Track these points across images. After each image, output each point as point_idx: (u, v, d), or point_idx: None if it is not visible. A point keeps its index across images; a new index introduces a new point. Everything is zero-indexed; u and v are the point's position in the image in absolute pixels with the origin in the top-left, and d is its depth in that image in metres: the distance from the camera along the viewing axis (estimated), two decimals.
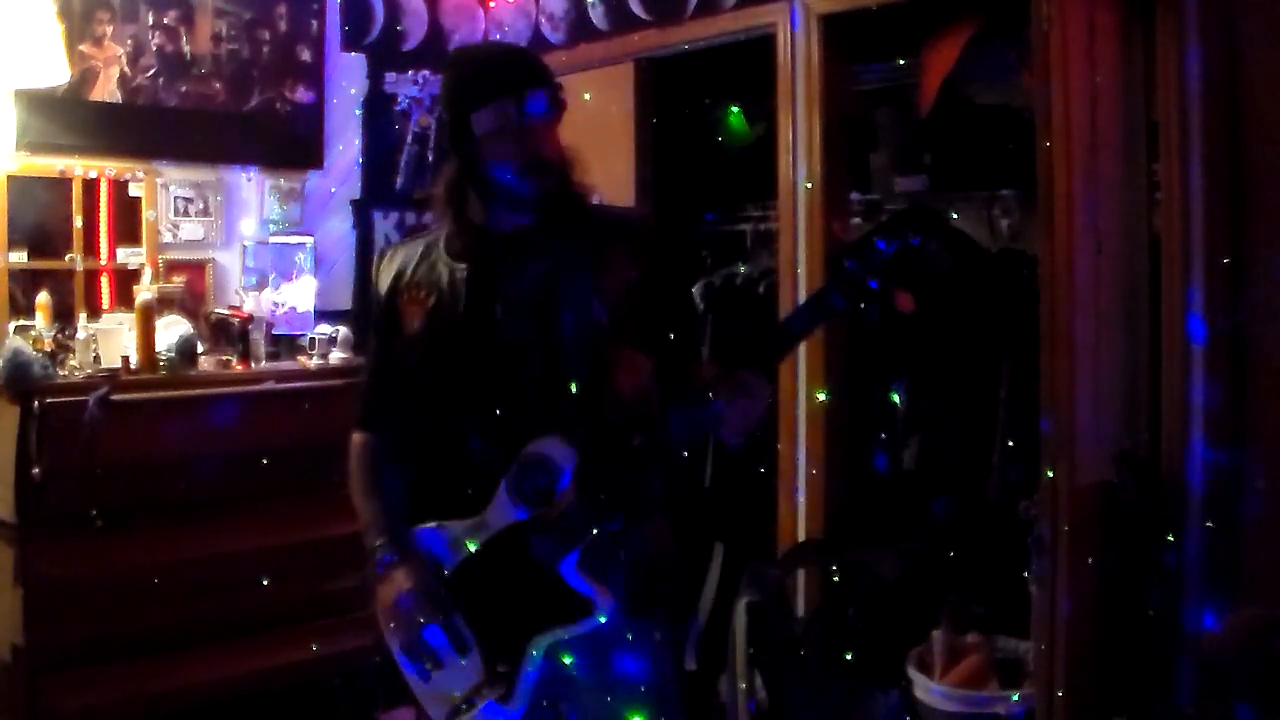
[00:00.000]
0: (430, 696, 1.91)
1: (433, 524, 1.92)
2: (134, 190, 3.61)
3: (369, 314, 2.06)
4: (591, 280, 1.86)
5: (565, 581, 1.81)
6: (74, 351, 3.19)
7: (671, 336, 1.92)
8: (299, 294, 3.71)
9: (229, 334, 3.51)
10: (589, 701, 1.90)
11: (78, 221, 3.49)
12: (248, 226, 3.89)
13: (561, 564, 1.81)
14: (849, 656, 3.01)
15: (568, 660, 1.85)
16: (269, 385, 3.32)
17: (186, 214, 3.76)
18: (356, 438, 2.06)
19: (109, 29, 3.56)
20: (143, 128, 3.63)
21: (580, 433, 1.81)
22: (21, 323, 3.28)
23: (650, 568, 1.94)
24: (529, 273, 1.88)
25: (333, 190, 4.12)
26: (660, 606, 1.97)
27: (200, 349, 3.38)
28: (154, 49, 3.65)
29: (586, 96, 3.31)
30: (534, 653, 1.82)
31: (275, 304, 3.66)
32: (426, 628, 1.86)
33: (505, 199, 1.88)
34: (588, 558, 1.82)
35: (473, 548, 1.87)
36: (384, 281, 2.00)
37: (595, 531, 1.81)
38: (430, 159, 4.31)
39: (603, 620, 1.82)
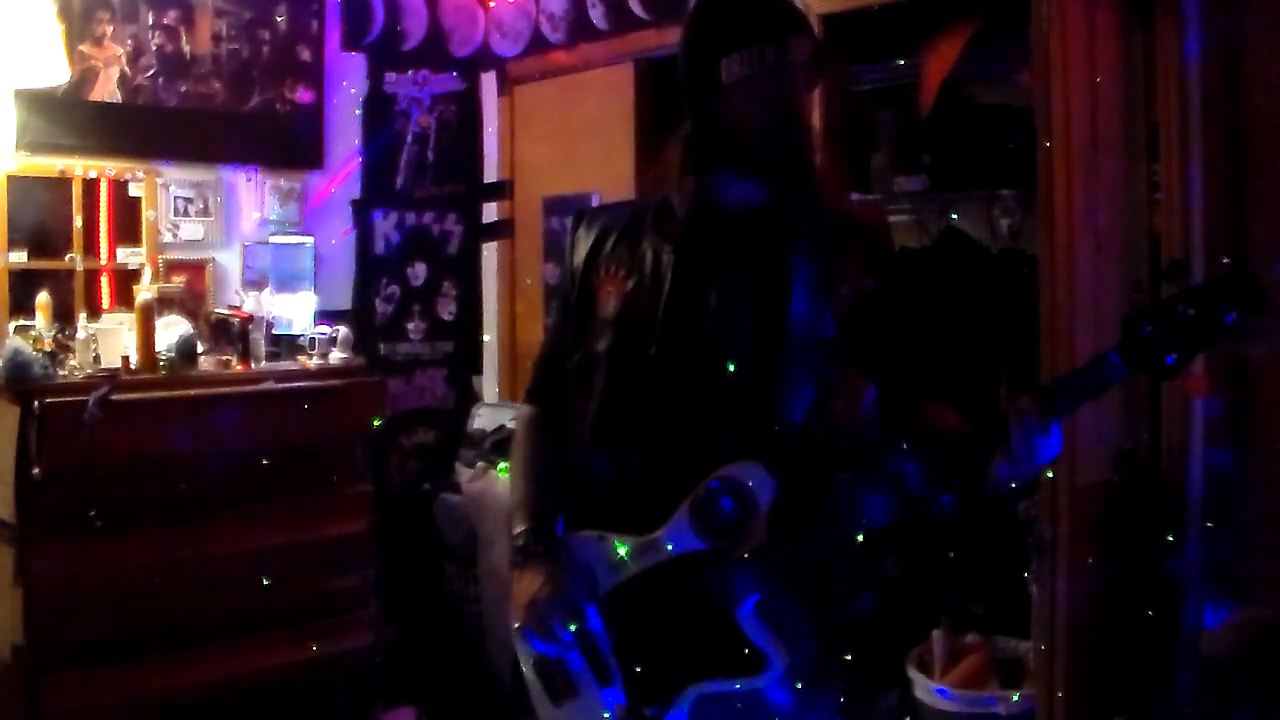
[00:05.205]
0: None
1: (594, 533, 1.66)
2: (134, 190, 3.61)
3: (561, 286, 1.83)
4: (824, 283, 1.60)
5: (739, 628, 1.56)
6: (74, 351, 3.18)
7: (900, 364, 1.67)
8: (297, 308, 3.69)
9: (229, 334, 3.50)
10: None
11: (78, 221, 3.49)
12: (248, 226, 3.89)
13: (739, 608, 1.56)
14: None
15: (718, 717, 1.59)
16: (269, 385, 3.31)
17: (186, 214, 3.76)
18: (524, 409, 1.85)
19: (109, 29, 3.55)
20: (143, 128, 3.63)
21: (786, 461, 1.56)
22: (21, 323, 3.27)
23: (840, 631, 1.71)
24: (753, 260, 1.61)
25: (333, 190, 4.12)
26: (844, 679, 1.72)
27: (200, 349, 3.37)
28: (154, 49, 3.65)
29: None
30: (685, 702, 1.58)
31: (271, 313, 3.65)
32: (569, 650, 1.64)
33: (747, 160, 1.61)
34: (770, 606, 1.57)
35: (635, 569, 1.62)
36: (579, 251, 1.76)
37: (784, 578, 1.57)
38: (430, 159, 4.31)
39: (774, 679, 1.57)
